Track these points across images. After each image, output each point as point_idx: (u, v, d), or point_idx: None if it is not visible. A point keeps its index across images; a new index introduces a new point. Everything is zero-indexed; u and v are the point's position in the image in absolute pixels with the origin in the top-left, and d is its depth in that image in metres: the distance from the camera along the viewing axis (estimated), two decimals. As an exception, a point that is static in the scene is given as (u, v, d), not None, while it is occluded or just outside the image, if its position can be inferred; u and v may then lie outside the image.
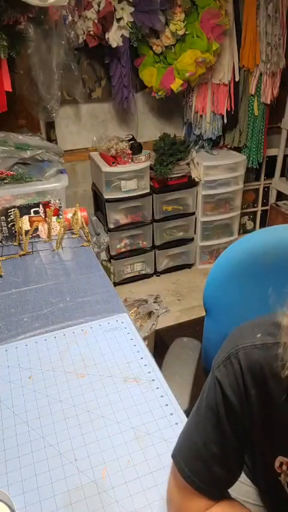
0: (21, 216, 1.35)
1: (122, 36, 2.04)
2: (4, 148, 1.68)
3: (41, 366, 0.89)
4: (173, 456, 0.60)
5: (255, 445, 0.59)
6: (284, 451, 0.57)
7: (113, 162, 2.27)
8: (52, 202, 1.38)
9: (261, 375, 0.52)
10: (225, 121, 2.48)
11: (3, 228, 1.36)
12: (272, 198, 3.03)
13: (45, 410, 0.79)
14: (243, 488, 0.86)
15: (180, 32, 2.12)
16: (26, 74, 1.89)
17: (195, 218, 2.65)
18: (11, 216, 1.34)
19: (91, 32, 1.99)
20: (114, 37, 2.02)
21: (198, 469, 0.56)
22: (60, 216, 1.41)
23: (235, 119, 2.52)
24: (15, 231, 1.36)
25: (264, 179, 2.98)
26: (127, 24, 2.02)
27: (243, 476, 0.87)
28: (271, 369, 0.51)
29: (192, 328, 2.17)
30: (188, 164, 2.48)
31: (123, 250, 2.53)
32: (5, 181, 1.69)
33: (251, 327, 0.56)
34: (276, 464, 0.58)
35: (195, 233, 2.70)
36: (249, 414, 0.54)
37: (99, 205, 2.53)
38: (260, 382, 0.53)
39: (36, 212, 1.39)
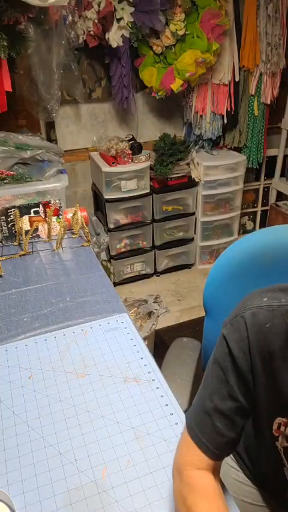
0: (21, 216, 1.36)
1: (122, 36, 2.04)
2: (4, 148, 1.68)
3: (41, 366, 0.89)
4: (186, 415, 0.63)
5: (257, 404, 0.60)
6: (282, 411, 0.59)
7: (113, 162, 2.27)
8: (52, 202, 1.38)
9: (264, 334, 0.56)
10: (225, 121, 2.48)
11: (3, 228, 1.36)
12: (272, 198, 3.03)
13: (45, 410, 0.79)
14: (242, 488, 0.86)
15: (181, 32, 2.12)
16: (26, 74, 1.89)
17: (195, 218, 2.65)
18: (11, 216, 1.34)
19: (91, 32, 1.99)
20: (115, 37, 2.02)
21: (203, 422, 0.60)
22: (60, 216, 1.41)
23: (235, 119, 2.52)
24: (15, 231, 1.36)
25: (264, 179, 2.98)
26: (127, 24, 2.02)
27: (242, 476, 0.87)
28: (274, 329, 0.55)
29: (192, 328, 2.17)
30: (188, 164, 2.48)
31: (123, 250, 2.53)
32: (5, 181, 1.69)
33: (260, 292, 0.59)
34: (275, 426, 0.61)
35: (195, 233, 2.70)
36: (252, 370, 0.57)
37: (99, 205, 2.54)
38: (262, 341, 0.56)
39: (36, 212, 1.39)
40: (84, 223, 1.40)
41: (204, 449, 0.59)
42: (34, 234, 1.39)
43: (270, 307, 0.56)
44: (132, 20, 2.02)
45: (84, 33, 2.01)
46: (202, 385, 0.62)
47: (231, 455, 0.89)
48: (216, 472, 0.61)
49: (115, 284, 2.50)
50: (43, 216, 1.39)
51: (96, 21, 1.95)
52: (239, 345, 0.57)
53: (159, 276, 2.71)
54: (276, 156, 2.87)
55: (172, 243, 2.65)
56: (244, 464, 0.87)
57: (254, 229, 3.15)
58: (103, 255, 2.42)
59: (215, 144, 2.64)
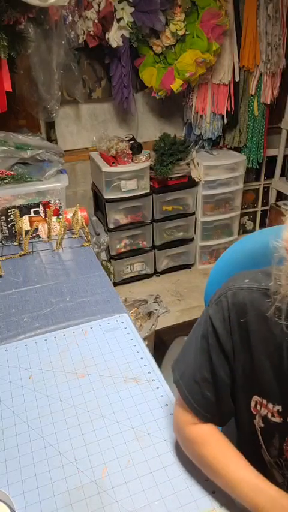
0: (21, 216, 1.36)
1: (122, 36, 2.04)
2: (4, 148, 1.68)
3: (41, 366, 0.89)
4: (176, 381, 0.67)
5: (237, 381, 0.64)
6: (258, 391, 0.63)
7: (113, 162, 2.27)
8: (52, 202, 1.38)
9: (244, 313, 0.60)
10: (225, 121, 2.48)
11: (3, 228, 1.36)
12: (272, 198, 3.03)
13: (45, 410, 0.79)
14: None
15: (181, 32, 2.12)
16: (26, 74, 1.89)
17: (195, 218, 2.65)
18: (11, 216, 1.34)
19: (91, 32, 1.99)
20: (115, 37, 2.02)
21: (194, 390, 0.65)
22: (60, 216, 1.41)
23: (235, 119, 2.52)
24: (15, 231, 1.36)
25: (264, 179, 2.98)
26: (127, 24, 2.02)
27: None
28: (253, 309, 0.59)
29: (192, 328, 2.17)
30: (188, 164, 2.48)
31: (123, 250, 2.53)
32: (5, 181, 1.69)
33: (242, 275, 0.64)
34: (252, 404, 0.64)
35: (195, 233, 2.70)
36: (233, 349, 0.62)
37: (99, 205, 2.53)
38: (242, 320, 0.60)
39: (36, 212, 1.39)
40: (84, 223, 1.40)
41: (195, 412, 0.65)
42: (34, 234, 1.39)
43: (250, 288, 0.60)
44: (132, 20, 2.02)
45: (84, 33, 2.01)
46: (193, 355, 0.66)
47: None
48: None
49: (115, 284, 2.50)
50: (43, 216, 1.39)
51: (96, 21, 1.95)
52: (222, 323, 0.62)
53: (159, 276, 2.71)
54: (276, 156, 2.87)
55: (172, 243, 2.65)
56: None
57: (254, 229, 3.15)
58: (103, 255, 2.42)
59: (215, 144, 2.64)
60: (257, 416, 0.64)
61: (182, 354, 0.69)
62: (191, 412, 0.65)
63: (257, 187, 3.01)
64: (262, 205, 3.07)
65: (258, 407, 0.64)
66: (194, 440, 0.64)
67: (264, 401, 0.62)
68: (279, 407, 0.61)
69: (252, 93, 2.48)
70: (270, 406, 0.62)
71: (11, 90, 1.59)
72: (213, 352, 0.63)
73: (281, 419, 0.62)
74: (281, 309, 0.56)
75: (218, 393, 0.64)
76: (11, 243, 1.38)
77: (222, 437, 0.64)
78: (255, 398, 0.64)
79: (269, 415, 0.62)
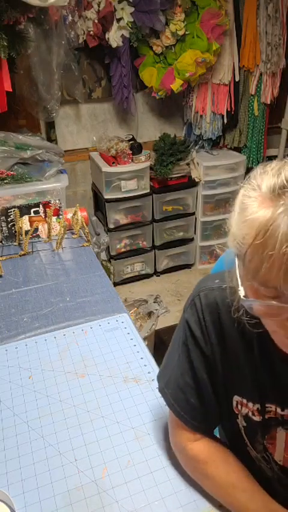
0: (21, 216, 1.36)
1: (122, 36, 2.04)
2: (4, 148, 1.68)
3: (41, 366, 0.89)
4: (161, 389, 0.68)
5: (217, 381, 0.64)
6: (238, 390, 0.63)
7: (113, 162, 2.27)
8: (52, 202, 1.38)
9: (217, 312, 0.60)
10: (225, 121, 2.48)
11: (3, 228, 1.36)
12: (272, 198, 3.02)
13: (45, 410, 0.79)
14: None
15: (180, 32, 2.12)
16: (26, 74, 1.89)
17: (195, 218, 2.65)
18: (11, 216, 1.34)
19: (91, 32, 1.99)
20: (114, 37, 2.02)
21: (179, 397, 0.64)
22: (60, 216, 1.41)
23: (235, 119, 2.52)
24: (15, 231, 1.36)
25: (264, 179, 2.97)
26: (127, 24, 2.02)
27: None
28: (224, 307, 0.59)
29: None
30: (188, 164, 2.48)
31: (123, 250, 2.53)
32: (5, 181, 1.69)
33: (212, 276, 0.65)
34: (234, 403, 0.64)
35: (195, 233, 2.70)
36: (212, 349, 0.61)
37: (99, 205, 2.53)
38: (216, 319, 0.60)
39: (36, 212, 1.39)
40: (84, 223, 1.40)
41: (183, 420, 0.64)
42: (34, 234, 1.39)
43: (220, 287, 0.60)
44: (132, 20, 2.02)
45: (84, 33, 2.01)
46: (176, 363, 0.66)
47: None
48: (209, 435, 0.66)
49: (115, 284, 2.50)
50: (43, 216, 1.39)
51: (96, 21, 1.95)
52: (198, 326, 0.62)
53: (159, 276, 2.71)
54: (276, 156, 2.86)
55: (172, 243, 2.65)
56: None
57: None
58: (103, 255, 2.42)
59: (215, 144, 2.64)
60: (239, 416, 0.65)
61: (166, 362, 0.69)
62: (182, 423, 0.65)
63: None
64: (262, 205, 3.07)
65: (239, 406, 0.64)
66: (194, 458, 0.64)
67: (244, 401, 0.63)
68: (258, 406, 0.62)
69: (252, 93, 2.48)
70: (250, 404, 0.62)
71: (11, 90, 1.59)
72: (194, 357, 0.63)
73: (261, 417, 0.62)
74: (239, 306, 0.55)
75: (203, 398, 0.64)
76: (11, 243, 1.38)
77: (221, 451, 0.64)
78: (236, 398, 0.64)
79: (250, 414, 0.63)
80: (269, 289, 0.44)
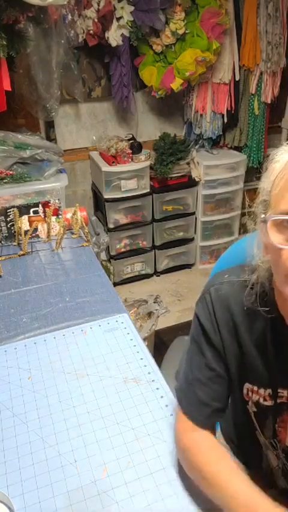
0: (20, 215, 1.35)
1: (122, 35, 2.04)
2: (3, 147, 1.67)
3: (41, 367, 0.89)
4: (175, 387, 0.70)
5: (229, 370, 0.66)
6: (249, 378, 0.65)
7: (113, 162, 2.27)
8: (51, 202, 1.38)
9: (228, 306, 0.63)
10: (226, 120, 2.47)
11: (3, 228, 1.35)
12: (272, 198, 3.02)
13: (45, 411, 0.78)
14: None
15: (181, 31, 2.11)
16: (25, 73, 1.89)
17: (195, 218, 2.64)
18: (11, 216, 1.34)
19: (91, 31, 1.99)
20: (114, 36, 2.01)
21: (185, 390, 0.66)
22: (60, 216, 1.41)
23: (235, 118, 2.52)
24: (15, 231, 1.36)
25: (265, 179, 2.97)
26: (127, 23, 2.02)
27: (224, 443, 0.88)
28: (235, 301, 0.63)
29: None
30: (188, 164, 2.47)
31: (123, 250, 2.52)
32: (4, 181, 1.69)
33: (222, 272, 0.68)
34: (244, 391, 0.67)
35: (195, 233, 2.70)
36: (222, 341, 0.64)
37: (99, 205, 2.53)
38: (226, 313, 0.63)
39: (35, 212, 1.39)
40: (83, 223, 1.40)
41: (190, 416, 0.65)
42: (33, 234, 1.38)
43: (231, 282, 0.64)
44: (132, 19, 2.02)
45: (83, 32, 2.00)
46: (185, 360, 0.69)
47: None
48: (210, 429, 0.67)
49: (115, 284, 2.49)
50: (42, 216, 1.39)
51: (95, 20, 1.95)
52: (209, 319, 0.64)
53: (159, 276, 2.70)
54: (276, 156, 2.86)
55: (172, 243, 2.65)
56: (222, 431, 0.90)
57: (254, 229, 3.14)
58: (103, 255, 2.42)
59: (215, 143, 2.64)
60: (249, 402, 0.67)
61: (181, 361, 0.71)
62: (186, 416, 0.66)
63: (258, 186, 3.00)
64: (262, 205, 3.07)
65: (250, 393, 0.66)
66: (188, 448, 0.64)
67: (255, 388, 0.65)
68: (270, 391, 0.64)
69: (253, 92, 2.48)
70: (262, 391, 0.64)
71: (10, 89, 1.59)
72: (203, 349, 0.65)
73: (272, 401, 0.64)
74: (257, 295, 0.60)
75: (212, 392, 0.65)
76: (10, 243, 1.37)
77: (217, 445, 0.64)
78: (247, 385, 0.66)
79: (261, 400, 0.65)
80: None
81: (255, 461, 0.74)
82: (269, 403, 0.64)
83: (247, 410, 0.68)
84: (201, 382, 0.65)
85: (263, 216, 0.56)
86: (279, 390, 0.63)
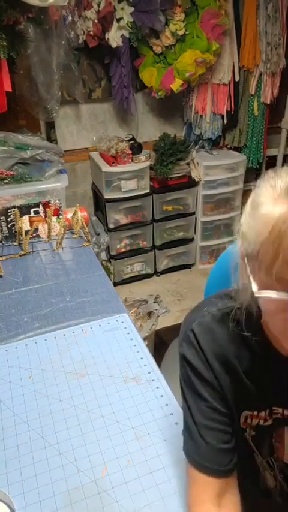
0: (21, 216, 1.36)
1: (122, 36, 2.04)
2: (4, 148, 1.68)
3: (41, 366, 0.89)
4: (184, 452, 0.63)
5: (228, 405, 0.63)
6: (247, 406, 0.63)
7: (113, 162, 2.27)
8: (52, 202, 1.38)
9: (213, 339, 0.60)
10: (225, 121, 2.48)
11: (3, 228, 1.36)
12: (272, 198, 3.02)
13: (45, 410, 0.79)
14: None
15: (180, 32, 2.12)
16: (26, 74, 1.89)
17: (195, 218, 2.65)
18: (11, 216, 1.34)
19: (91, 32, 1.99)
20: (114, 37, 2.02)
21: (196, 447, 0.60)
22: (60, 216, 1.41)
23: (235, 119, 2.52)
24: (15, 231, 1.36)
25: (265, 179, 2.98)
26: (127, 24, 2.02)
27: None
28: (219, 331, 0.60)
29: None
30: (188, 164, 2.48)
31: (123, 250, 2.52)
32: (5, 181, 1.69)
33: (198, 306, 0.65)
34: (242, 420, 0.64)
35: (195, 233, 2.70)
36: (215, 376, 0.60)
37: (99, 205, 2.53)
38: (214, 346, 0.60)
39: (36, 212, 1.39)
40: (84, 223, 1.40)
41: (212, 473, 0.58)
42: (34, 234, 1.39)
43: (210, 313, 0.62)
44: (132, 20, 2.02)
45: (84, 33, 2.01)
46: (183, 411, 0.64)
47: None
48: (231, 489, 0.61)
49: (115, 284, 2.50)
50: (43, 216, 1.39)
51: (96, 21, 1.95)
52: (196, 356, 0.61)
53: (159, 276, 2.71)
54: (276, 156, 2.86)
55: (172, 243, 2.65)
56: None
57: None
58: (103, 255, 2.42)
59: (215, 144, 2.64)
60: (247, 429, 0.65)
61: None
62: (205, 476, 0.59)
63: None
64: (262, 205, 3.07)
65: (249, 420, 0.64)
66: None
67: (255, 413, 0.63)
68: (268, 410, 0.63)
69: (252, 93, 2.48)
70: (262, 413, 0.63)
71: (11, 90, 1.59)
72: (199, 390, 0.60)
73: (272, 420, 0.63)
74: (240, 321, 0.57)
75: (221, 434, 0.60)
76: (11, 243, 1.38)
77: None
78: (246, 413, 0.63)
79: (261, 422, 0.63)
80: (282, 283, 0.45)
81: (252, 483, 0.72)
82: (269, 422, 0.63)
83: (244, 438, 0.65)
84: (207, 427, 0.59)
85: (255, 288, 0.48)
86: (273, 408, 0.62)
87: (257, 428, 0.64)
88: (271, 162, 2.90)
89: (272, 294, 0.46)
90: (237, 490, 0.62)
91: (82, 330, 0.99)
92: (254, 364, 0.60)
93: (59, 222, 1.38)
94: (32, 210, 1.38)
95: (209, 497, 0.58)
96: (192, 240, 2.70)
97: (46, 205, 1.38)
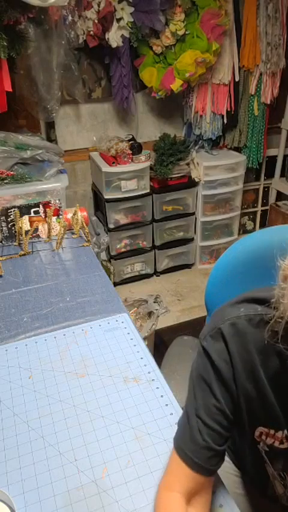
0: (21, 216, 1.35)
1: (122, 36, 2.04)
2: (4, 148, 1.68)
3: (41, 366, 0.89)
4: (174, 437, 0.63)
5: (241, 413, 0.61)
6: (263, 421, 0.61)
7: (113, 162, 2.27)
8: (52, 202, 1.38)
9: (244, 344, 0.58)
10: (225, 121, 2.48)
11: (3, 228, 1.36)
12: (272, 198, 3.03)
13: (45, 410, 0.79)
14: (231, 478, 0.87)
15: (180, 32, 2.12)
16: (26, 74, 1.89)
17: (195, 218, 2.65)
18: (11, 216, 1.34)
19: (91, 32, 1.99)
20: (114, 37, 2.02)
21: (190, 439, 0.59)
22: (60, 216, 1.41)
23: (235, 119, 2.52)
24: (15, 231, 1.36)
25: (264, 179, 2.98)
26: (127, 24, 2.02)
27: (232, 467, 0.88)
28: (252, 338, 0.57)
29: (192, 328, 2.17)
30: (188, 164, 2.48)
31: (123, 250, 2.53)
32: (5, 181, 1.69)
33: (234, 304, 0.62)
34: (256, 433, 0.63)
35: (195, 233, 2.70)
36: (234, 379, 0.58)
37: (99, 205, 2.53)
38: (243, 351, 0.58)
39: (36, 212, 1.39)
40: (84, 223, 1.40)
41: (196, 468, 0.59)
42: (34, 234, 1.39)
43: (248, 316, 0.58)
44: (132, 20, 2.02)
45: (84, 33, 2.01)
46: (187, 402, 0.62)
47: None
48: (206, 489, 0.61)
49: (115, 284, 2.50)
50: (43, 216, 1.39)
51: (96, 21, 1.95)
52: (220, 355, 0.58)
53: (159, 276, 2.71)
54: (276, 156, 2.87)
55: (172, 243, 2.65)
56: (228, 456, 0.89)
57: (254, 229, 3.15)
58: (103, 255, 2.42)
59: (215, 144, 2.64)
60: (261, 443, 0.63)
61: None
62: (188, 468, 0.59)
63: (257, 187, 3.01)
64: (262, 205, 3.07)
65: (264, 437, 0.62)
66: (156, 507, 0.60)
67: (272, 431, 0.61)
68: (286, 431, 0.60)
69: (252, 93, 2.48)
70: (279, 434, 0.60)
71: (11, 90, 1.59)
72: (213, 387, 0.59)
73: None
74: (278, 332, 0.53)
75: (219, 437, 0.59)
76: (11, 243, 1.38)
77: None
78: (260, 429, 0.62)
79: (276, 443, 0.61)
80: None
81: (260, 489, 0.71)
82: (285, 445, 0.60)
83: (257, 449, 0.64)
84: (206, 425, 0.59)
85: None
86: None
87: (272, 448, 0.62)
88: (271, 162, 2.91)
89: None
90: (210, 492, 0.61)
91: (82, 330, 0.99)
92: (282, 380, 0.57)
93: (59, 222, 1.38)
94: (32, 210, 1.38)
95: (182, 489, 0.59)
96: (192, 240, 2.70)
97: (46, 205, 1.38)
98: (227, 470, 0.88)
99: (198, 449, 0.59)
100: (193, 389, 0.61)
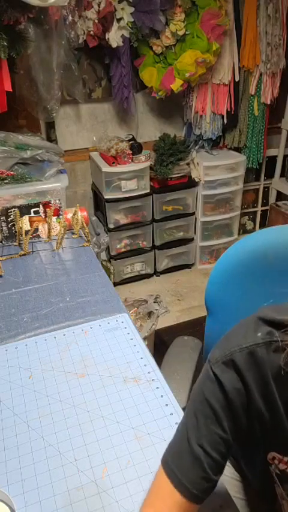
0: (21, 216, 1.35)
1: (122, 36, 2.04)
2: (4, 148, 1.68)
3: (41, 366, 0.89)
4: (164, 454, 0.59)
5: (255, 439, 0.59)
6: (275, 447, 0.59)
7: (113, 162, 2.27)
8: (52, 202, 1.38)
9: (264, 373, 0.54)
10: (225, 121, 2.48)
11: (3, 228, 1.36)
12: (272, 198, 3.03)
13: (45, 410, 0.79)
14: (232, 483, 0.86)
15: (181, 32, 2.12)
16: (26, 74, 1.89)
17: (195, 218, 2.65)
18: (11, 216, 1.34)
19: (91, 32, 1.99)
20: (115, 37, 2.02)
21: (186, 466, 0.56)
22: (60, 216, 1.41)
23: (235, 119, 2.52)
24: (15, 231, 1.36)
25: (264, 179, 2.98)
26: (127, 24, 2.02)
27: (234, 472, 0.87)
28: (272, 365, 0.53)
29: (192, 328, 2.17)
30: (188, 164, 2.48)
31: (123, 250, 2.53)
32: (5, 181, 1.69)
33: (248, 326, 0.57)
34: (269, 456, 0.60)
35: (195, 233, 2.70)
36: (248, 406, 0.55)
37: (99, 205, 2.54)
38: (263, 381, 0.54)
39: (36, 212, 1.39)
40: (84, 223, 1.40)
41: (193, 499, 0.55)
42: (34, 234, 1.39)
43: (266, 343, 0.54)
44: (132, 20, 2.02)
45: (84, 33, 2.01)
46: (186, 422, 0.58)
47: None
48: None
49: (115, 284, 2.50)
50: (43, 216, 1.39)
51: (96, 21, 1.95)
52: (235, 385, 0.55)
53: (159, 276, 2.71)
54: (276, 156, 2.87)
55: (172, 243, 2.65)
56: (230, 461, 0.88)
57: (254, 229, 3.15)
58: (103, 255, 2.42)
59: (215, 144, 2.64)
60: (273, 466, 0.61)
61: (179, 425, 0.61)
62: (178, 493, 0.56)
63: (257, 187, 3.01)
64: (262, 205, 3.07)
65: (277, 461, 0.60)
66: None
67: (286, 459, 0.58)
68: None
69: (252, 93, 2.48)
70: None
71: (11, 90, 1.59)
72: (219, 414, 0.55)
73: None
74: None
75: (219, 467, 0.56)
76: (11, 243, 1.38)
77: None
78: (273, 454, 0.60)
79: None
80: None
81: (267, 501, 0.70)
82: None
83: (269, 470, 0.62)
84: (208, 454, 0.55)
85: None
86: None
87: (283, 472, 0.60)
88: (271, 162, 2.91)
89: None
90: None
91: (82, 330, 0.99)
92: None
93: (59, 222, 1.38)
94: (32, 210, 1.38)
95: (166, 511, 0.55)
96: (192, 240, 2.70)
97: (46, 205, 1.38)
98: (226, 473, 0.88)
99: (198, 480, 0.55)
100: (195, 413, 0.57)
